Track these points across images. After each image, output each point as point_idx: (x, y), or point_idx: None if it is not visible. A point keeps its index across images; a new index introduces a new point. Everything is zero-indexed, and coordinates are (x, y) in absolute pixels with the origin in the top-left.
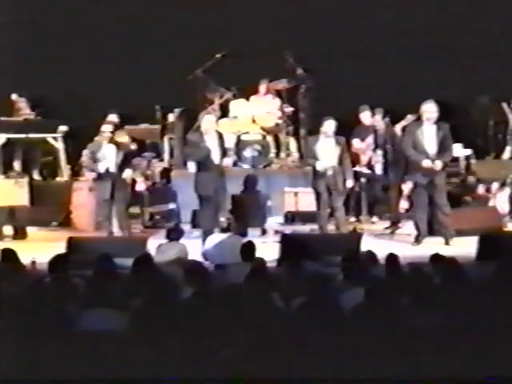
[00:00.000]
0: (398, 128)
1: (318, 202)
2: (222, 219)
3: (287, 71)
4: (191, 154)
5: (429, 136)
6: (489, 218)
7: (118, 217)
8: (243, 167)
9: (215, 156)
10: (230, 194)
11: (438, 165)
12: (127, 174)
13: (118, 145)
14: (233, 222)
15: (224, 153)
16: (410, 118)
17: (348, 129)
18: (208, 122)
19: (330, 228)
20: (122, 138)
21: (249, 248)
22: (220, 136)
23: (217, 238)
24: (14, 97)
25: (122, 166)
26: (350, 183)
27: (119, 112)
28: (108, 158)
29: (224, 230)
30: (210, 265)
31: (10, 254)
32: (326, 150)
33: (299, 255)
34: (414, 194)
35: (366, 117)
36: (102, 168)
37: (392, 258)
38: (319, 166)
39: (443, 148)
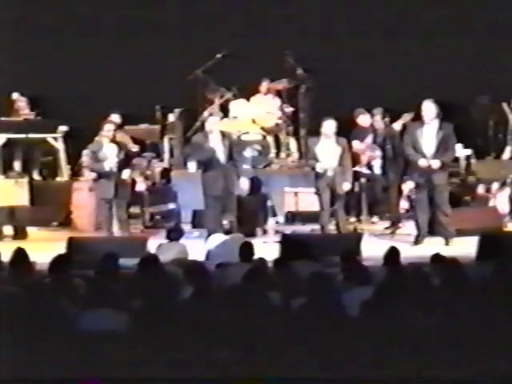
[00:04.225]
0: (395, 126)
1: (320, 203)
2: (225, 222)
3: (287, 71)
4: (195, 155)
5: (428, 136)
6: (489, 218)
7: (119, 216)
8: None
9: (220, 156)
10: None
11: (435, 164)
12: (126, 173)
13: (119, 144)
14: (235, 224)
15: (230, 153)
16: (406, 116)
17: (348, 129)
18: (212, 122)
19: (331, 228)
20: (123, 138)
21: (247, 248)
22: (224, 136)
23: (220, 237)
24: (15, 96)
25: (122, 166)
26: (346, 186)
27: (119, 112)
28: (110, 157)
29: (227, 233)
30: (211, 264)
31: (21, 254)
32: (326, 151)
33: (299, 255)
34: (414, 194)
35: (362, 119)
36: (106, 167)
37: (393, 253)
38: (319, 167)
39: (444, 148)
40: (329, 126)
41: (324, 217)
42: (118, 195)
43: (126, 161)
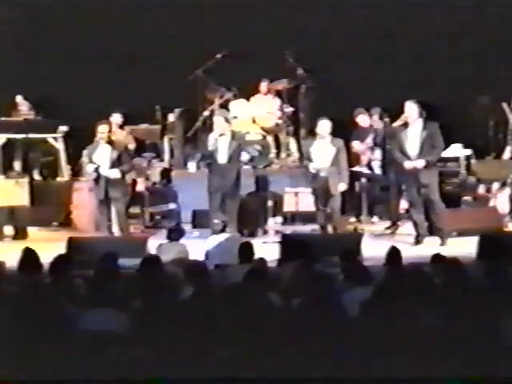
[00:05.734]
0: (396, 126)
1: (315, 203)
2: (216, 221)
3: (287, 71)
4: (198, 151)
5: (412, 137)
6: (489, 218)
7: (117, 217)
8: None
9: (222, 156)
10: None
11: (419, 164)
12: (114, 173)
13: (113, 144)
14: (233, 224)
15: (234, 154)
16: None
17: (348, 129)
18: (216, 122)
19: (330, 228)
20: (126, 137)
21: (247, 249)
22: (233, 136)
23: (217, 238)
24: (18, 99)
25: (114, 166)
26: (342, 186)
27: (119, 112)
28: (103, 158)
29: (219, 232)
30: (210, 265)
31: (31, 254)
32: (320, 152)
33: (300, 255)
34: (407, 195)
35: (362, 119)
36: (90, 169)
37: (394, 253)
38: (312, 168)
39: (429, 147)
40: (323, 126)
41: (319, 217)
42: (109, 196)
43: (119, 161)
